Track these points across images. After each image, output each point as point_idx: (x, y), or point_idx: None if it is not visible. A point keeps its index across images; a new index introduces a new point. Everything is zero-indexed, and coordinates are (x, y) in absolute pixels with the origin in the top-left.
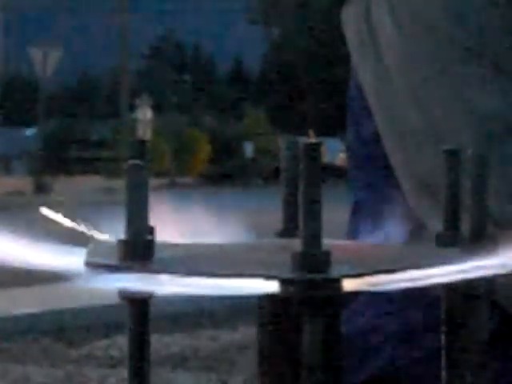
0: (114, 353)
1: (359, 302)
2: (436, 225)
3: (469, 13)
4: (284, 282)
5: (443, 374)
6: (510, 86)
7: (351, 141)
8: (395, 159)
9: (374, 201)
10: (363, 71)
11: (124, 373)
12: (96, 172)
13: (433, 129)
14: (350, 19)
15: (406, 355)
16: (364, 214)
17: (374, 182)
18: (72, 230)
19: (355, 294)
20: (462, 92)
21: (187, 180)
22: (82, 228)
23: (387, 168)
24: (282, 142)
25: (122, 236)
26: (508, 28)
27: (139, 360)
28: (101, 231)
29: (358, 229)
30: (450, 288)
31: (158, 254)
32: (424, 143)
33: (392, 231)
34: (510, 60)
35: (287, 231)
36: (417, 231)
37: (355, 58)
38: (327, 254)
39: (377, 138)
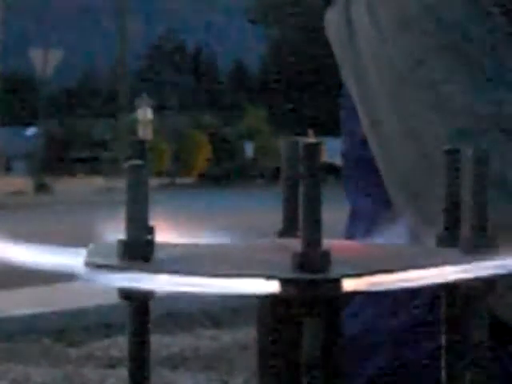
0: (114, 353)
1: (356, 304)
2: (415, 225)
3: (444, 7)
4: (284, 282)
5: (443, 374)
6: (486, 82)
7: (345, 144)
8: (379, 160)
9: (368, 204)
10: (345, 72)
11: (124, 373)
12: (96, 172)
13: (409, 127)
14: (331, 19)
15: (404, 356)
16: (360, 217)
17: (367, 186)
18: (71, 230)
19: (355, 294)
20: (436, 88)
21: (187, 180)
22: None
23: (378, 170)
24: (281, 142)
25: (122, 236)
26: (487, 22)
27: (139, 360)
28: (101, 231)
29: (355, 232)
30: (450, 288)
31: (158, 253)
32: (403, 142)
33: (388, 234)
34: (486, 56)
35: (287, 231)
36: (413, 233)
37: (339, 60)
38: (327, 253)
39: (367, 141)
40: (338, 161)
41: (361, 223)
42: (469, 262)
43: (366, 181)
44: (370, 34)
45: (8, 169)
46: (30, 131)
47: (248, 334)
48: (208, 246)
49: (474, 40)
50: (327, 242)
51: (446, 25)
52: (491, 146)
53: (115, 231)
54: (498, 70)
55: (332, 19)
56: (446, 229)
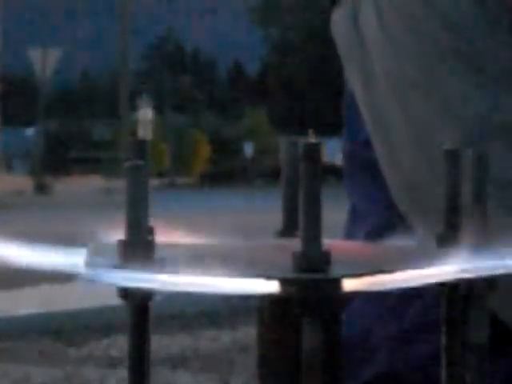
0: (114, 353)
1: (355, 306)
2: (420, 229)
3: (451, 11)
4: (284, 282)
5: (442, 374)
6: (494, 86)
7: (346, 145)
8: (383, 161)
9: (370, 205)
10: (351, 73)
11: (124, 373)
12: (96, 172)
13: (417, 131)
14: (339, 21)
15: (404, 357)
16: (360, 218)
17: (369, 186)
18: (71, 230)
19: (355, 294)
20: (444, 93)
21: (187, 180)
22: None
23: (380, 172)
24: (282, 142)
25: (122, 236)
26: (493, 28)
27: (139, 360)
28: (101, 231)
29: (355, 233)
30: (450, 288)
31: (158, 253)
32: (409, 145)
33: (387, 236)
34: (495, 61)
35: (287, 231)
36: (411, 234)
37: (344, 61)
38: (327, 254)
39: (370, 143)
40: (338, 161)
41: (361, 224)
42: (469, 262)
43: (367, 181)
44: (378, 36)
45: (8, 168)
46: (30, 131)
47: (248, 334)
48: (208, 246)
49: (482, 45)
50: (327, 242)
51: (455, 30)
52: (498, 152)
53: (115, 231)
54: (507, 75)
55: (339, 20)
56: (446, 229)
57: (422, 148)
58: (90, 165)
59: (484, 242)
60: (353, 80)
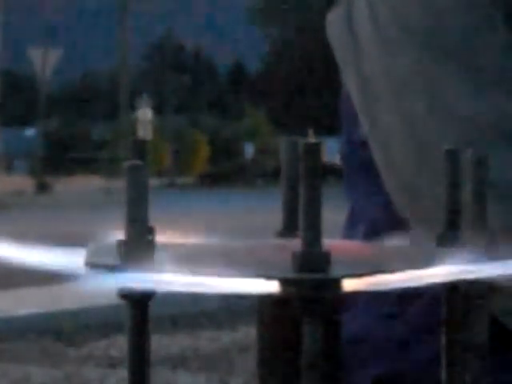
0: (114, 353)
1: (356, 307)
2: (419, 229)
3: (446, 14)
4: (284, 282)
5: (443, 374)
6: (493, 86)
7: (343, 146)
8: (380, 162)
9: (368, 206)
10: (347, 75)
11: (124, 373)
12: (96, 172)
13: (413, 132)
14: (333, 22)
15: (403, 358)
16: (359, 219)
17: (367, 187)
18: (71, 230)
19: (355, 294)
20: (441, 94)
21: (187, 180)
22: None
23: (378, 173)
24: (281, 142)
25: (122, 236)
26: (489, 27)
27: (139, 360)
28: (101, 231)
29: (354, 234)
30: (450, 288)
31: (158, 253)
32: (406, 146)
33: (386, 236)
34: (489, 60)
35: (287, 231)
36: (410, 234)
37: (340, 63)
38: (327, 254)
39: (367, 143)
40: (338, 161)
41: (360, 225)
42: (469, 262)
43: (365, 182)
44: (373, 36)
45: (9, 168)
46: (30, 131)
47: (247, 334)
48: (208, 246)
49: (476, 46)
50: (327, 242)
51: (449, 31)
52: (498, 152)
53: (115, 231)
54: (501, 76)
55: (334, 20)
56: (446, 229)
57: (418, 149)
58: (90, 165)
59: (484, 243)
60: (349, 81)
